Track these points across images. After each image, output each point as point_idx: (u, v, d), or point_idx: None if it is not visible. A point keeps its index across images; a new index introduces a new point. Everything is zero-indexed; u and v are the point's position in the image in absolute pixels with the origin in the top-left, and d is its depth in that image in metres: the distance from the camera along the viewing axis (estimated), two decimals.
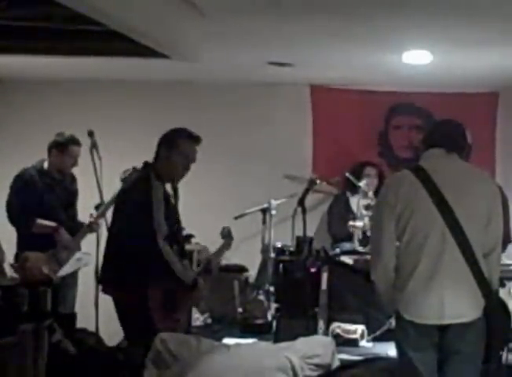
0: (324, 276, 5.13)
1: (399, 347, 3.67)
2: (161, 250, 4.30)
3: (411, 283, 3.54)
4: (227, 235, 5.15)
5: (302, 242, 5.16)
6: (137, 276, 4.37)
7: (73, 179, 5.94)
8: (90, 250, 5.24)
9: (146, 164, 4.58)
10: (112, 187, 4.97)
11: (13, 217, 5.60)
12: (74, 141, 5.68)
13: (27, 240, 5.51)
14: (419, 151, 3.88)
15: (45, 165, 5.72)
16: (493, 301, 3.55)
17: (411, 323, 3.53)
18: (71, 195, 5.91)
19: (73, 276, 5.70)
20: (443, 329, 3.53)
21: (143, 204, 4.39)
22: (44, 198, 5.63)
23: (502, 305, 3.65)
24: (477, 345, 3.56)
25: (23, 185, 5.62)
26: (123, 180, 4.82)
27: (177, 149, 4.52)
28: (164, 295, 4.38)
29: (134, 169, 4.77)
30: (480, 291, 3.52)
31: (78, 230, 5.56)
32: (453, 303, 3.50)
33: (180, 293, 4.44)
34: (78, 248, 5.54)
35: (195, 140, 4.59)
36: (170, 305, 4.40)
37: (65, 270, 5.31)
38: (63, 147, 5.66)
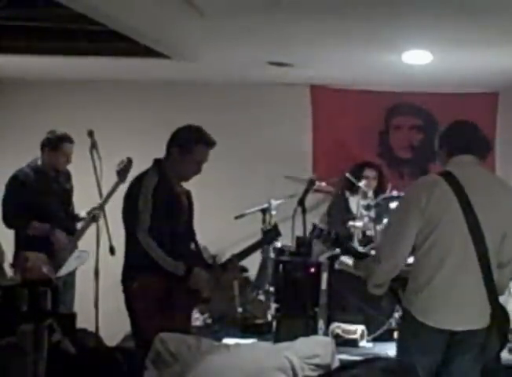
0: (324, 276, 5.14)
1: (403, 347, 3.69)
2: (140, 242, 4.24)
3: (430, 288, 3.55)
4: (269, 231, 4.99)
5: (314, 228, 5.12)
6: (124, 270, 4.42)
7: (68, 176, 5.92)
8: (90, 250, 5.24)
9: (155, 161, 4.54)
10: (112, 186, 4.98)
11: (9, 218, 5.59)
12: (66, 139, 5.66)
13: (25, 240, 5.51)
14: (437, 152, 3.81)
15: (39, 163, 5.72)
16: (498, 310, 3.60)
17: (424, 326, 3.55)
18: (67, 193, 5.90)
19: (71, 275, 5.70)
20: (453, 333, 3.56)
21: (130, 198, 4.40)
22: (40, 196, 5.62)
23: (504, 311, 3.68)
24: (481, 348, 3.60)
25: (18, 186, 5.61)
26: (119, 172, 4.83)
27: (191, 155, 4.45)
28: (152, 291, 4.30)
29: (129, 159, 4.77)
30: (489, 300, 3.56)
31: (75, 225, 5.57)
32: (468, 311, 3.55)
33: (173, 289, 4.35)
34: (76, 246, 5.54)
35: (211, 145, 4.50)
36: (162, 301, 4.32)
37: (65, 269, 5.30)
38: (55, 144, 5.65)
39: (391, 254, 3.60)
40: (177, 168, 4.48)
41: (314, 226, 5.12)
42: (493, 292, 3.55)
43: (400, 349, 3.75)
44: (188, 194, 4.68)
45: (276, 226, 4.97)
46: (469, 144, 3.68)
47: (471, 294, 3.54)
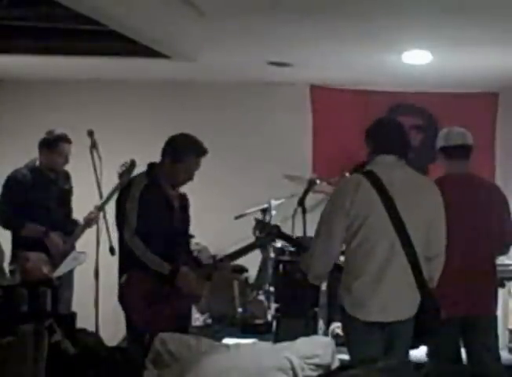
0: None
1: (351, 342, 3.85)
2: (127, 242, 4.36)
3: (358, 284, 3.71)
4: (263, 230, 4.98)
5: (257, 223, 5.14)
6: (118, 270, 4.54)
7: (67, 176, 5.88)
8: (90, 250, 5.24)
9: (148, 165, 4.62)
10: (112, 186, 4.98)
11: (3, 219, 5.57)
12: (63, 139, 5.62)
13: (22, 240, 5.47)
14: (369, 154, 3.94)
15: (37, 163, 5.68)
16: (428, 299, 3.77)
17: (356, 320, 3.73)
18: (66, 193, 5.85)
19: (68, 276, 5.65)
20: (385, 324, 3.74)
21: (120, 200, 4.54)
22: (38, 197, 5.58)
23: (434, 302, 3.81)
24: (410, 335, 3.80)
25: (16, 186, 5.56)
26: (121, 174, 4.83)
27: (182, 164, 4.54)
28: (140, 285, 4.40)
29: (132, 162, 4.80)
30: (419, 291, 3.74)
31: (73, 229, 5.55)
32: (396, 304, 3.73)
33: (162, 284, 4.42)
34: (73, 247, 5.52)
35: (202, 154, 4.59)
36: (151, 296, 4.39)
37: (61, 270, 5.28)
38: (52, 145, 5.60)
39: (322, 251, 3.78)
40: (169, 175, 4.58)
41: (257, 221, 5.17)
42: (422, 283, 3.72)
43: (349, 344, 3.89)
44: (182, 197, 4.74)
45: (271, 233, 4.97)
46: (393, 145, 3.85)
47: (399, 287, 3.71)
